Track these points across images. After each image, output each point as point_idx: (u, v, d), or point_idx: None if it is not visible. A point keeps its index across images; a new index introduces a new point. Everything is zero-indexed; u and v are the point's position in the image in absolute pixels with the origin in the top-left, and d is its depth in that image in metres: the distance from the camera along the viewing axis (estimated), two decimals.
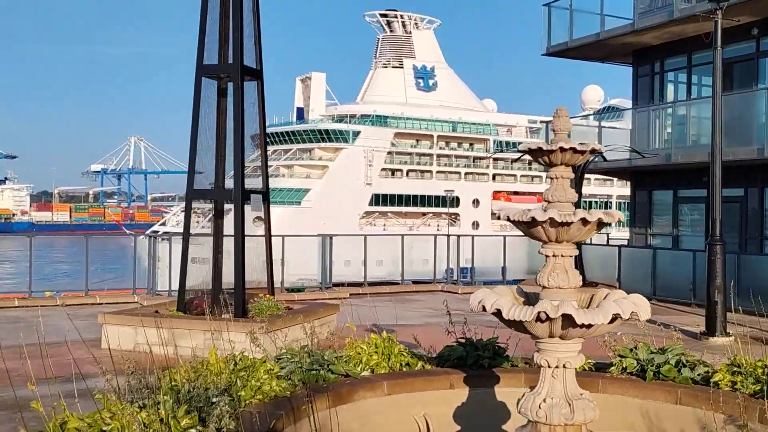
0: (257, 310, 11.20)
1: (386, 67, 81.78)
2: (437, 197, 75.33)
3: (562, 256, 5.07)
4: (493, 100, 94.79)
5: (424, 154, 77.62)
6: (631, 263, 18.06)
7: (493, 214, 78.14)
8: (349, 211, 69.10)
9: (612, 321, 4.79)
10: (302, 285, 17.66)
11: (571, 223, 4.86)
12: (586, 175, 19.89)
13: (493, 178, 79.83)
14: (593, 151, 5.07)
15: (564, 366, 5.03)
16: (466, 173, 78.67)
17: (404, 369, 7.18)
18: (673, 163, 19.67)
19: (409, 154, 77.03)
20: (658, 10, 20.77)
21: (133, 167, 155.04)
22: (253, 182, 12.84)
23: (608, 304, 4.81)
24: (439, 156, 78.02)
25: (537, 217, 4.86)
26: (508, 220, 5.09)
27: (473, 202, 77.72)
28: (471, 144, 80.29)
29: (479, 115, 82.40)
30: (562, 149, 4.98)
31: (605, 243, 22.85)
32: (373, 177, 73.47)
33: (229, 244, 11.92)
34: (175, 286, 16.55)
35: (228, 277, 11.80)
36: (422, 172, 77.06)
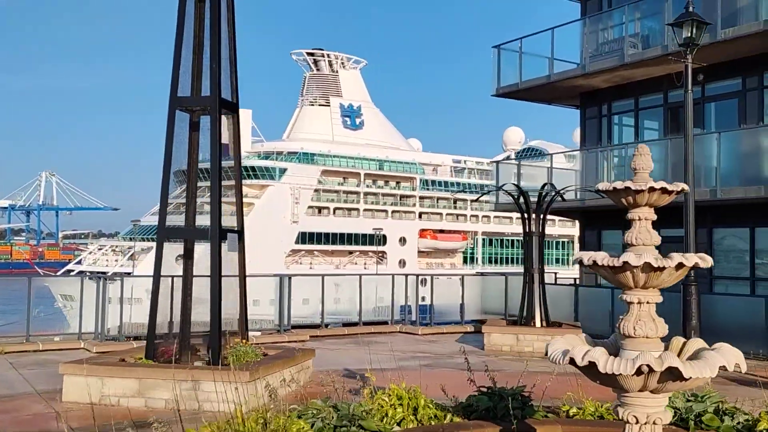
0: (234, 356, 10.49)
1: (313, 104, 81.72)
2: (364, 235, 75.05)
3: (647, 303, 4.76)
4: (418, 139, 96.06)
5: (351, 192, 77.43)
6: (590, 303, 18.06)
7: (420, 251, 78.54)
8: (275, 249, 67.98)
9: None
10: (258, 327, 16.86)
11: (665, 268, 4.56)
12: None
13: (420, 216, 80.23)
14: (681, 192, 4.81)
15: (654, 422, 4.69)
16: (392, 211, 78.82)
17: (432, 422, 6.70)
18: None
19: (336, 191, 76.73)
20: (606, 54, 21.24)
21: (44, 203, 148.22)
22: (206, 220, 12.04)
23: (712, 355, 4.51)
24: (366, 194, 77.96)
25: (631, 262, 4.53)
26: (594, 264, 4.74)
27: (400, 240, 77.80)
28: (398, 182, 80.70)
29: (405, 154, 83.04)
30: (651, 189, 4.69)
31: (554, 282, 22.89)
32: (299, 214, 72.74)
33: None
34: (131, 330, 15.65)
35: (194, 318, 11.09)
36: (349, 209, 76.79)
